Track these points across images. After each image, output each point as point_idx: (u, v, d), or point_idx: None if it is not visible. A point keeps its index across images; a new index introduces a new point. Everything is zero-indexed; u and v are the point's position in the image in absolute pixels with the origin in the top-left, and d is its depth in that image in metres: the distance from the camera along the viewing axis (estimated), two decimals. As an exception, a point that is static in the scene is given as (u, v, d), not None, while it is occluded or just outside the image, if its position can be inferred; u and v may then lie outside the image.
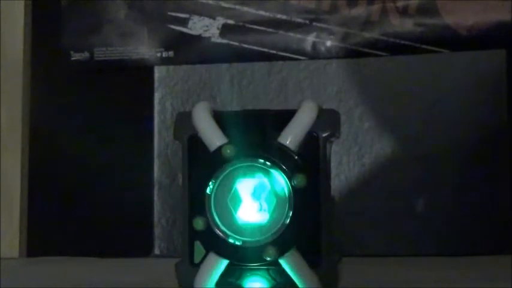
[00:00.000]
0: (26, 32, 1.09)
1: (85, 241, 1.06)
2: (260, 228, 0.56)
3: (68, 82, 1.10)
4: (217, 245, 0.56)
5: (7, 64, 1.08)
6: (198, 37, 1.05)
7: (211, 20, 1.05)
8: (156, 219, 1.04)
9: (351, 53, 1.02)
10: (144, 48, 1.06)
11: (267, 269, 0.56)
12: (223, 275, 0.56)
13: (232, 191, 0.56)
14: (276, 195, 0.56)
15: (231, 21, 1.04)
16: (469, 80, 1.01)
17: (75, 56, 1.08)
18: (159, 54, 1.06)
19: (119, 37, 1.07)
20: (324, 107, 0.58)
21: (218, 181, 0.56)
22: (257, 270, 0.56)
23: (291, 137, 0.56)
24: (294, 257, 0.55)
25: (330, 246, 0.56)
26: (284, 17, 1.03)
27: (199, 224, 0.56)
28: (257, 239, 0.56)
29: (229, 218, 0.56)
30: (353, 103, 1.02)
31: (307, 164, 0.56)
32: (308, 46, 1.03)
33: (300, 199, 0.55)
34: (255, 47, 1.04)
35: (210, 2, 1.05)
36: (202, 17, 1.05)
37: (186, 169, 0.58)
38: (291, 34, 1.03)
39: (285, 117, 0.57)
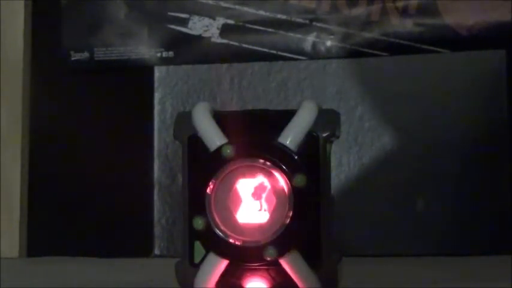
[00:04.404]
0: (26, 32, 1.09)
1: (85, 241, 1.06)
2: (260, 228, 0.56)
3: (68, 82, 1.10)
4: (217, 245, 0.56)
5: (7, 64, 1.08)
6: (198, 37, 1.05)
7: (211, 20, 1.05)
8: (156, 219, 1.04)
9: (351, 53, 1.02)
10: (144, 48, 1.06)
11: (267, 269, 0.56)
12: (223, 275, 0.56)
13: (232, 191, 0.56)
14: (276, 195, 0.56)
15: (231, 21, 1.04)
16: (469, 80, 1.01)
17: (75, 56, 1.08)
18: (159, 54, 1.06)
19: (119, 37, 1.07)
20: (324, 107, 0.58)
21: (218, 181, 0.56)
22: (257, 270, 0.56)
23: (291, 137, 0.56)
24: (294, 257, 0.55)
25: (330, 246, 0.56)
26: (284, 17, 1.03)
27: (199, 224, 0.56)
28: (257, 239, 0.56)
29: (229, 218, 0.56)
30: (353, 103, 1.02)
31: (307, 164, 0.56)
32: (308, 46, 1.03)
33: (300, 199, 0.55)
34: (255, 47, 1.04)
35: (210, 2, 1.05)
36: (202, 17, 1.05)
37: (186, 169, 0.58)
38: (291, 34, 1.03)
39: (285, 117, 0.57)
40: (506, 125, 0.99)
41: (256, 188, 0.56)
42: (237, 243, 0.56)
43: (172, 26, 1.06)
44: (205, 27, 1.05)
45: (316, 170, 0.56)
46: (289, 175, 0.55)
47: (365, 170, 1.01)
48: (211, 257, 0.56)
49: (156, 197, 1.05)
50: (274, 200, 0.56)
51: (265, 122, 0.58)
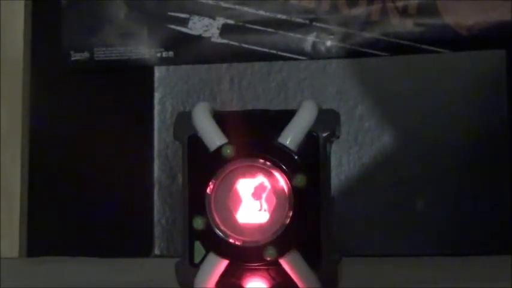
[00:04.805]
0: (26, 32, 1.09)
1: (85, 241, 1.06)
2: (260, 228, 0.56)
3: (68, 82, 1.10)
4: (217, 245, 0.56)
5: (7, 64, 1.08)
6: (198, 37, 1.05)
7: (211, 20, 1.05)
8: (156, 219, 1.04)
9: (351, 53, 1.02)
10: (144, 48, 1.06)
11: (267, 269, 0.56)
12: (223, 275, 0.56)
13: (232, 191, 0.56)
14: (276, 195, 0.56)
15: (231, 21, 1.04)
16: (469, 80, 1.01)
17: (75, 56, 1.08)
18: (159, 54, 1.06)
19: (119, 37, 1.07)
20: (324, 107, 0.58)
21: (218, 181, 0.56)
22: (257, 270, 0.56)
23: (291, 137, 0.56)
24: (294, 257, 0.55)
25: (330, 246, 0.56)
26: (284, 17, 1.03)
27: (199, 224, 0.56)
28: (257, 239, 0.56)
29: (229, 218, 0.56)
30: (353, 103, 1.02)
31: (307, 164, 0.56)
32: (308, 46, 1.03)
33: (300, 199, 0.55)
34: (255, 47, 1.04)
35: (210, 2, 1.05)
36: (202, 17, 1.05)
37: (186, 169, 0.58)
38: (291, 34, 1.03)
39: (285, 117, 0.57)
40: (506, 125, 0.99)
41: (256, 188, 0.56)
42: (237, 243, 0.56)
43: (172, 26, 1.06)
44: (205, 27, 1.05)
45: (316, 170, 0.56)
46: (289, 175, 0.55)
47: (365, 170, 1.01)
48: (211, 257, 0.56)
49: (156, 197, 1.05)
50: (274, 200, 0.56)
51: (265, 122, 0.58)
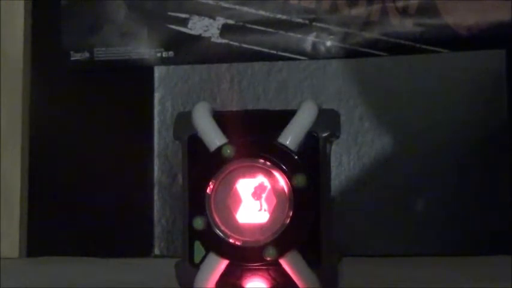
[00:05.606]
0: (26, 32, 1.09)
1: (85, 241, 1.06)
2: (260, 228, 0.56)
3: (68, 82, 1.10)
4: (217, 245, 0.56)
5: (7, 64, 1.08)
6: (198, 37, 1.05)
7: (211, 20, 1.05)
8: (156, 219, 1.04)
9: (351, 53, 1.02)
10: (144, 48, 1.06)
11: (267, 269, 0.56)
12: (223, 275, 0.56)
13: (232, 191, 0.56)
14: (276, 195, 0.56)
15: (231, 21, 1.04)
16: (469, 80, 1.01)
17: (75, 56, 1.08)
18: (159, 54, 1.06)
19: (119, 37, 1.07)
20: (324, 107, 0.58)
21: (218, 181, 0.56)
22: (257, 270, 0.56)
23: (291, 137, 0.56)
24: (294, 257, 0.55)
25: (330, 246, 0.56)
26: (284, 17, 1.03)
27: (199, 224, 0.56)
28: (257, 239, 0.56)
29: (229, 218, 0.56)
30: (353, 103, 1.02)
31: (307, 164, 0.56)
32: (308, 46, 1.03)
33: (300, 199, 0.55)
34: (255, 47, 1.04)
35: (210, 2, 1.05)
36: (202, 17, 1.05)
37: (186, 169, 0.58)
38: (291, 34, 1.03)
39: (285, 117, 0.57)
40: (506, 125, 0.99)
41: (256, 188, 0.56)
42: (237, 243, 0.56)
43: (172, 26, 1.06)
44: (205, 27, 1.05)
45: (316, 170, 0.56)
46: (289, 175, 0.55)
47: (365, 170, 1.01)
48: (211, 257, 0.56)
49: (156, 197, 1.05)
50: (274, 200, 0.56)
51: (265, 122, 0.58)
